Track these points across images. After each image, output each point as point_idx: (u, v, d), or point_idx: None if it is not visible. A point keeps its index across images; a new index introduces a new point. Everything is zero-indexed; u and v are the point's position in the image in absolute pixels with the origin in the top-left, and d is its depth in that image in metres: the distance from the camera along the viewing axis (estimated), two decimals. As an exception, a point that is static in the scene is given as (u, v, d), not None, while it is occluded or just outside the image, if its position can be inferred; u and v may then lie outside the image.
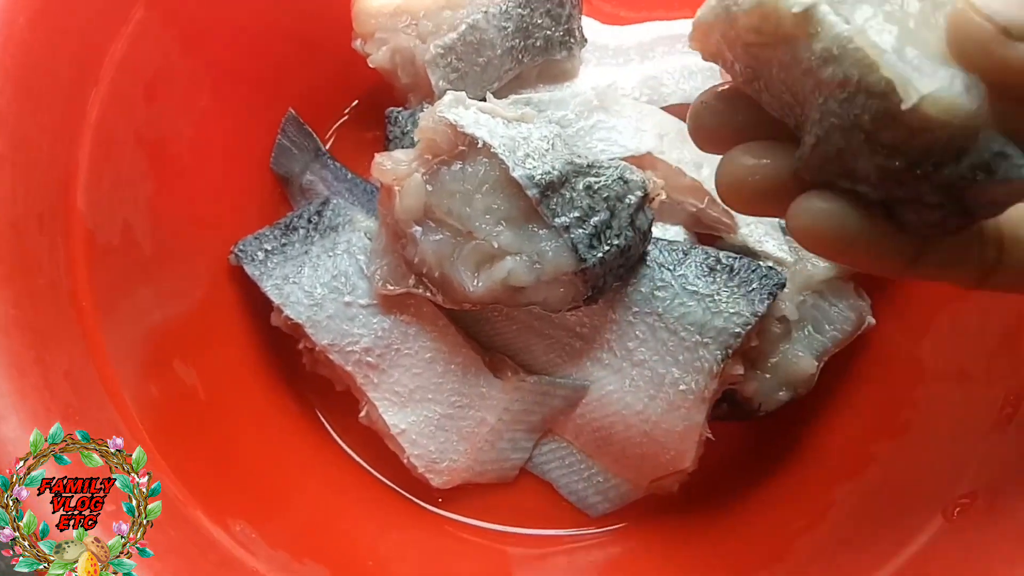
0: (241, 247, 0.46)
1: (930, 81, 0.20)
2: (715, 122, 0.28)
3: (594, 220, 0.39)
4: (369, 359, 0.44)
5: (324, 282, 0.45)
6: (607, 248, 0.39)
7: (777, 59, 0.24)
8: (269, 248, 0.46)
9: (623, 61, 0.51)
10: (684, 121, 0.47)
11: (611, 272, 0.40)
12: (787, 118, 0.26)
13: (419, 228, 0.40)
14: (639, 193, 0.40)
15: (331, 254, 0.46)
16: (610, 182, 0.40)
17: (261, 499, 0.42)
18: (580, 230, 0.39)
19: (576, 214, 0.39)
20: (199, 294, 0.46)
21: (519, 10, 0.47)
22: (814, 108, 0.24)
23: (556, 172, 0.39)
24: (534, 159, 0.39)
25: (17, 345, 0.32)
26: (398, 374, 0.44)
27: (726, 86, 0.28)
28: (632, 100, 0.48)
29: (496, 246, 0.39)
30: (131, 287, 0.40)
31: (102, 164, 0.38)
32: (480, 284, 0.39)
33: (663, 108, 0.49)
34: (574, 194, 0.39)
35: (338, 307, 0.44)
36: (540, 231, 0.39)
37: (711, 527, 0.45)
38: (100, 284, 0.37)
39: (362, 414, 0.45)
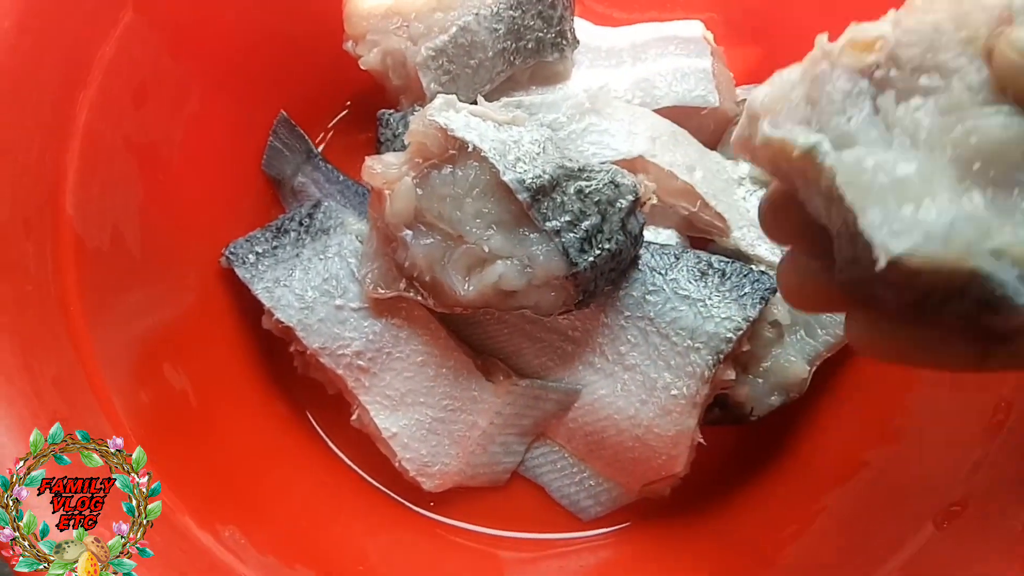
0: (232, 249, 0.46)
1: (905, 239, 0.20)
2: (775, 226, 0.28)
3: (585, 224, 0.39)
4: (360, 362, 0.44)
5: (315, 285, 0.44)
6: (598, 252, 0.39)
7: (800, 181, 0.24)
8: (260, 251, 0.46)
9: (615, 63, 0.51)
10: (676, 124, 0.48)
11: (602, 276, 0.40)
12: (827, 226, 0.25)
13: (410, 232, 0.40)
14: (630, 197, 0.40)
15: (322, 257, 0.45)
16: (601, 186, 0.40)
17: (251, 504, 0.42)
18: (571, 234, 0.39)
19: (567, 218, 0.39)
20: (190, 297, 0.45)
21: (510, 12, 0.47)
22: (835, 232, 0.24)
23: (547, 176, 0.39)
24: (525, 163, 0.39)
25: (4, 352, 0.32)
26: (389, 377, 0.44)
27: (774, 190, 0.28)
28: (624, 103, 0.48)
29: (487, 250, 0.39)
30: (121, 291, 0.39)
31: (91, 168, 0.38)
32: (471, 288, 0.39)
33: (655, 110, 0.48)
34: (565, 198, 0.39)
35: (329, 310, 0.44)
36: (531, 235, 0.39)
37: (703, 531, 0.45)
38: (89, 289, 0.37)
39: (353, 417, 0.45)
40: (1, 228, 0.33)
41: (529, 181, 0.38)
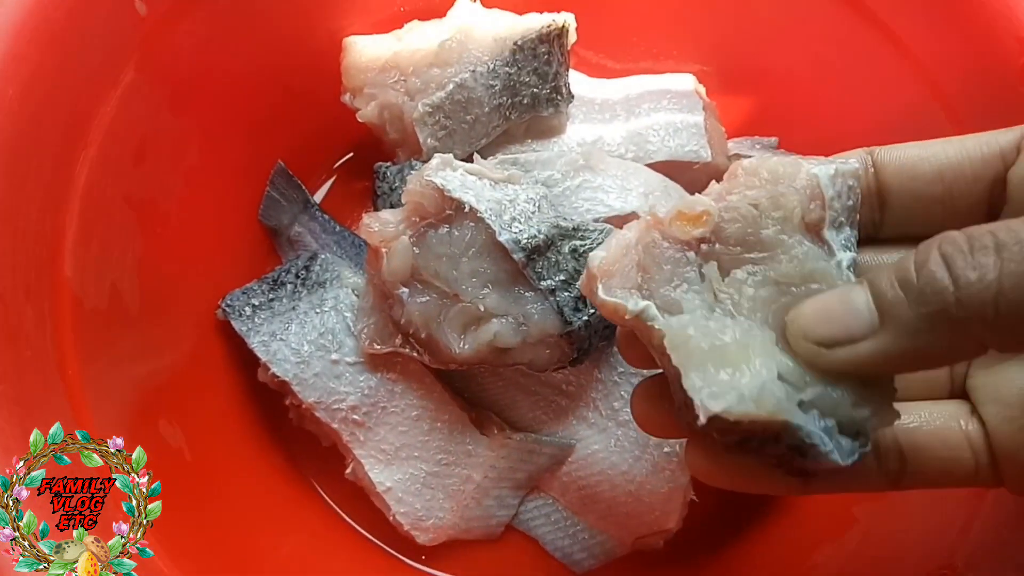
0: (229, 302, 0.47)
1: (721, 400, 0.23)
2: (629, 356, 0.32)
3: (579, 283, 0.39)
4: (355, 417, 0.44)
5: (311, 339, 0.45)
6: (592, 311, 0.39)
7: (638, 334, 0.28)
8: (256, 303, 0.46)
9: (609, 117, 0.52)
10: (669, 178, 0.49)
11: (596, 334, 0.41)
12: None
13: (406, 290, 0.40)
14: None
15: (318, 311, 0.46)
16: (595, 245, 0.40)
17: (245, 558, 0.42)
18: (566, 293, 0.39)
19: (562, 277, 0.39)
20: (186, 350, 0.46)
21: (506, 69, 0.48)
22: (669, 378, 0.27)
23: (542, 236, 0.39)
24: (520, 222, 0.39)
25: (2, 421, 0.32)
26: (384, 432, 0.44)
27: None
28: (618, 159, 0.48)
29: (482, 308, 0.39)
30: (118, 349, 0.40)
31: (90, 228, 0.38)
32: (466, 346, 0.40)
33: (649, 165, 0.49)
34: (560, 257, 0.40)
35: (325, 365, 0.44)
36: (526, 294, 0.39)
37: (696, 584, 0.46)
38: (86, 350, 0.37)
39: (348, 471, 0.45)
40: (3, 295, 0.33)
41: (524, 241, 0.39)
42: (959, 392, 0.31)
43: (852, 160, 0.28)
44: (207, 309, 0.47)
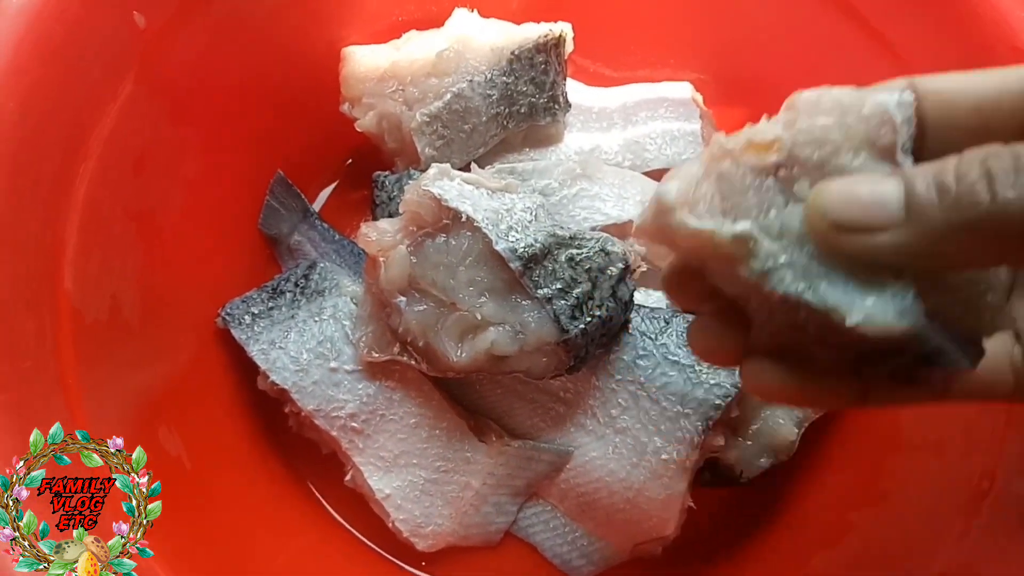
0: (228, 310, 0.47)
1: (862, 308, 0.23)
2: (680, 296, 0.30)
3: (576, 292, 0.40)
4: (354, 424, 0.44)
5: (310, 347, 0.45)
6: (589, 319, 0.40)
7: (719, 269, 0.26)
8: (256, 312, 0.47)
9: (606, 125, 0.52)
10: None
11: (593, 342, 0.41)
12: (738, 299, 0.27)
13: (403, 298, 0.40)
14: (620, 265, 0.41)
15: (317, 319, 0.46)
16: (592, 254, 0.41)
17: (245, 565, 0.43)
18: (562, 301, 0.39)
19: (558, 285, 0.39)
20: (186, 358, 0.46)
21: (504, 78, 0.48)
22: (761, 308, 0.26)
23: (539, 244, 0.39)
24: (517, 231, 0.40)
25: (3, 430, 0.32)
26: (383, 439, 0.45)
27: (677, 265, 0.30)
28: (615, 167, 0.49)
29: (479, 317, 0.39)
30: (117, 360, 0.40)
31: (90, 240, 0.38)
32: (464, 354, 0.40)
33: (645, 173, 0.49)
34: (556, 266, 0.40)
35: (324, 373, 0.45)
36: (523, 302, 0.40)
37: (694, 591, 0.46)
38: (86, 361, 0.37)
39: (347, 478, 0.46)
40: (3, 308, 0.33)
41: (521, 250, 0.39)
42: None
43: (907, 90, 0.27)
44: (207, 318, 0.47)
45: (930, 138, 0.28)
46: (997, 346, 0.29)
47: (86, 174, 0.39)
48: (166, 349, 0.44)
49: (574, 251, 0.40)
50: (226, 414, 0.47)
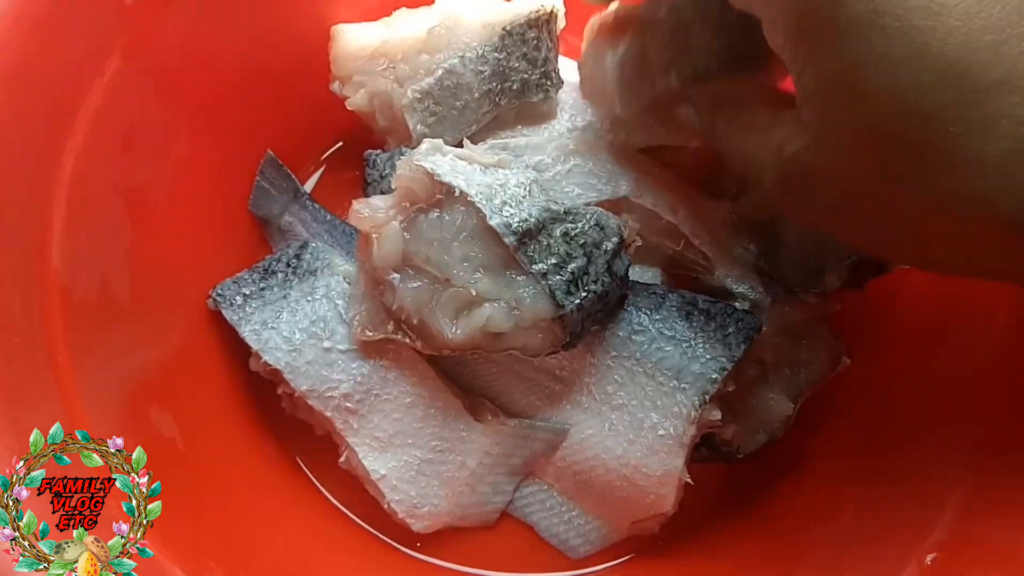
0: (219, 291, 0.46)
1: None
2: None
3: (571, 267, 0.39)
4: (348, 404, 0.44)
5: (303, 327, 0.45)
6: (584, 295, 0.39)
7: None
8: (248, 292, 0.46)
9: (600, 102, 0.51)
10: (661, 163, 0.49)
11: (589, 317, 0.41)
12: None
13: (397, 275, 0.40)
14: (615, 239, 0.41)
15: (310, 299, 0.45)
16: (587, 228, 0.40)
17: (239, 548, 0.42)
18: (558, 276, 0.39)
19: (553, 261, 0.39)
20: (177, 340, 0.45)
21: (495, 54, 0.48)
22: None
23: (533, 219, 0.39)
24: (511, 206, 0.39)
25: (-6, 412, 0.31)
26: (378, 419, 0.44)
27: None
28: (608, 142, 0.48)
29: (474, 293, 0.39)
30: (108, 339, 0.39)
31: (78, 218, 0.38)
32: (459, 331, 0.39)
33: (639, 150, 0.49)
34: (551, 240, 0.40)
35: (317, 353, 0.44)
36: (518, 278, 0.39)
37: (691, 568, 0.46)
38: (77, 339, 0.36)
39: (342, 459, 0.45)
40: (-12, 283, 0.33)
41: (515, 225, 0.38)
42: None
43: None
44: (198, 298, 0.47)
45: None
46: None
47: (73, 151, 0.38)
48: (157, 329, 0.43)
49: (569, 225, 0.40)
50: (219, 395, 0.47)
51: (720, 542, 0.46)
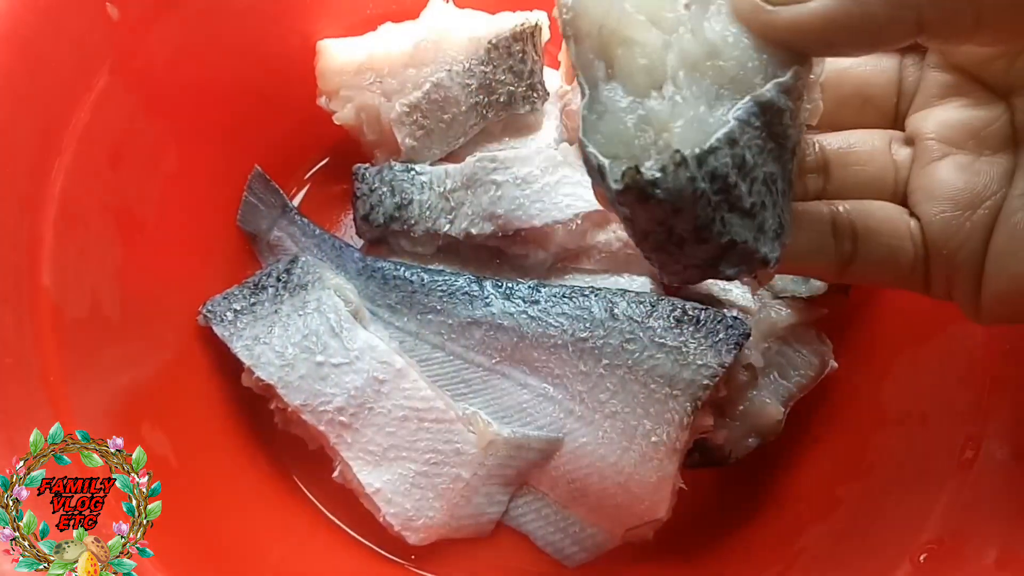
0: (210, 307, 0.46)
1: None
2: None
3: None
4: (342, 418, 0.44)
5: (295, 342, 0.45)
6: None
7: None
8: (238, 308, 0.46)
9: (585, 114, 0.52)
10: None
11: None
12: None
13: None
14: None
15: (301, 313, 0.45)
16: None
17: (234, 563, 0.42)
18: None
19: None
20: (168, 357, 0.45)
21: (482, 68, 0.48)
22: None
23: None
24: None
25: (-16, 429, 0.31)
26: (371, 433, 0.44)
27: None
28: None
29: None
30: (100, 356, 0.39)
31: (68, 236, 0.37)
32: None
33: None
34: None
35: (310, 367, 0.44)
36: None
37: (686, 573, 0.46)
38: (68, 357, 0.36)
39: (335, 473, 0.45)
40: (-20, 303, 0.33)
41: None
42: (901, 201, 0.32)
43: None
44: (188, 315, 0.46)
45: None
46: (896, 218, 0.30)
47: (61, 168, 0.38)
48: (148, 346, 0.43)
49: None
50: (211, 411, 0.47)
51: (714, 546, 0.46)
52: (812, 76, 0.28)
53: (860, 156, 0.32)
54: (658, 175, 0.24)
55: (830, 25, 0.23)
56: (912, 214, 0.31)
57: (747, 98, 0.25)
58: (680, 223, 0.25)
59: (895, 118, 0.33)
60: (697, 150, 0.24)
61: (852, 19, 0.23)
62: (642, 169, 0.24)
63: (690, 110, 0.25)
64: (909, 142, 0.32)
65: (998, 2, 0.23)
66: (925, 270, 0.30)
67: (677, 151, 0.24)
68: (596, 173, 0.26)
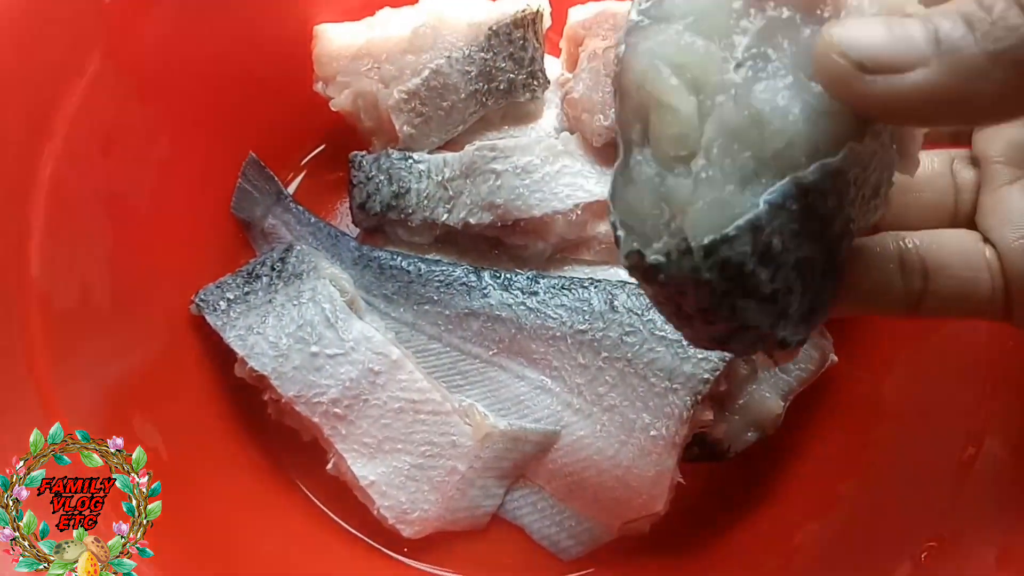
0: (203, 296, 0.45)
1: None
2: None
3: None
4: (337, 410, 0.43)
5: (289, 332, 0.44)
6: None
7: None
8: (232, 297, 0.45)
9: (586, 102, 0.51)
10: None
11: None
12: None
13: None
14: None
15: (296, 303, 0.45)
16: None
17: (226, 556, 0.42)
18: None
19: None
20: (159, 346, 0.44)
21: (482, 54, 0.47)
22: None
23: None
24: None
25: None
26: (366, 425, 0.44)
27: None
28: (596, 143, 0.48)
29: None
30: (89, 347, 0.38)
31: (58, 224, 0.37)
32: None
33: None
34: None
35: (304, 358, 0.44)
36: None
37: (683, 568, 0.46)
38: (57, 349, 0.36)
39: (329, 466, 0.45)
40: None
41: None
42: (964, 224, 0.30)
43: None
44: (180, 304, 0.46)
45: None
46: (969, 248, 0.28)
47: (51, 155, 0.37)
48: (139, 336, 0.43)
49: None
50: (203, 403, 0.46)
51: (711, 541, 0.46)
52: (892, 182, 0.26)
53: (919, 180, 0.30)
54: (661, 260, 0.23)
55: (931, 99, 0.21)
56: (986, 240, 0.29)
57: (787, 179, 0.22)
58: (686, 303, 0.25)
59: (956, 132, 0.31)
60: (707, 239, 0.22)
61: (958, 95, 0.21)
62: (645, 252, 0.23)
63: (715, 190, 0.22)
64: (975, 162, 0.30)
65: None
66: (1005, 299, 0.28)
67: (684, 238, 0.22)
68: (616, 237, 0.25)
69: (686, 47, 0.23)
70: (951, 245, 0.29)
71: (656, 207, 0.23)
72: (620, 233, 0.24)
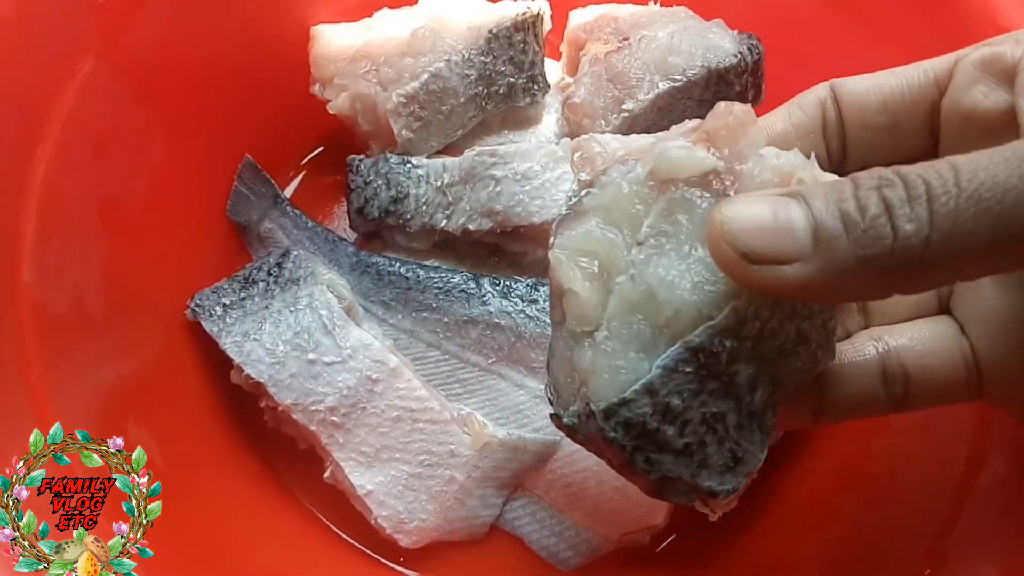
0: (198, 301, 0.45)
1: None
2: None
3: None
4: (334, 418, 0.43)
5: (286, 339, 0.43)
6: None
7: None
8: (228, 302, 0.45)
9: (587, 107, 0.51)
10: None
11: None
12: None
13: None
14: None
15: (293, 309, 0.44)
16: None
17: (221, 565, 0.41)
18: None
19: None
20: (154, 352, 0.44)
21: (482, 58, 0.47)
22: None
23: None
24: None
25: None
26: (364, 433, 0.43)
27: None
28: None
29: None
30: (83, 353, 0.38)
31: (50, 229, 0.36)
32: None
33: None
34: None
35: (301, 365, 0.43)
36: None
37: (682, 578, 0.45)
38: (50, 355, 0.35)
39: (327, 474, 0.44)
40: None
41: None
42: (944, 308, 0.31)
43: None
44: (175, 310, 0.45)
45: (851, 138, 0.30)
46: (948, 346, 0.30)
47: (44, 157, 0.36)
48: (133, 343, 0.42)
49: None
50: (198, 410, 0.45)
51: (710, 553, 0.45)
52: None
53: None
54: (575, 421, 0.27)
55: (807, 288, 0.23)
56: (963, 331, 0.30)
57: (677, 344, 0.25)
58: (612, 458, 0.27)
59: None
60: (603, 404, 0.25)
61: (830, 288, 0.23)
62: (562, 416, 0.27)
63: (614, 358, 0.25)
64: None
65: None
66: (979, 383, 0.29)
67: (587, 403, 0.25)
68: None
69: (594, 237, 0.26)
70: (932, 346, 0.30)
71: (570, 376, 0.27)
72: (550, 397, 0.28)
